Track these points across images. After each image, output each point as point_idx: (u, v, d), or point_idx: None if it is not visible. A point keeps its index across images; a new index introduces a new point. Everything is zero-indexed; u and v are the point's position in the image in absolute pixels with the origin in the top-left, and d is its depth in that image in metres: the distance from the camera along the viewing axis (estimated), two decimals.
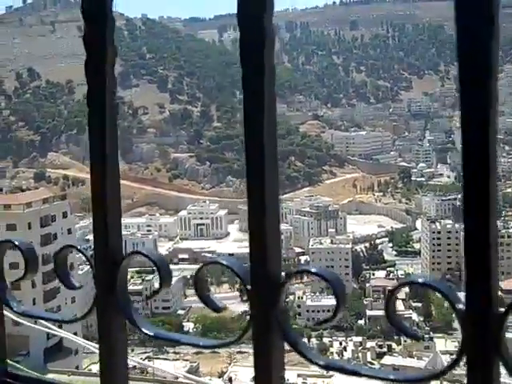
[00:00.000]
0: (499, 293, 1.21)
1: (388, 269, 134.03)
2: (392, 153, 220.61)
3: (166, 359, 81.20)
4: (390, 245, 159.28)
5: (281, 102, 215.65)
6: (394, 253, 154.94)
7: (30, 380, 2.07)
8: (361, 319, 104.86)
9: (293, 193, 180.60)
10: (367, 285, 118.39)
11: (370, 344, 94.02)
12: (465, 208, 1.20)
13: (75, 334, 26.64)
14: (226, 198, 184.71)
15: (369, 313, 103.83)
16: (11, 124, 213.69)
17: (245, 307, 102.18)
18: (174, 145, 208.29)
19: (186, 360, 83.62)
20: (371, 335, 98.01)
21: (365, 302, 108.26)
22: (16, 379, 2.02)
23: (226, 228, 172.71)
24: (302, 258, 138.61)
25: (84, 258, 1.74)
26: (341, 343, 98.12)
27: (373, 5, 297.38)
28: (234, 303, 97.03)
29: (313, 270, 1.40)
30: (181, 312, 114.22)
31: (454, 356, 1.20)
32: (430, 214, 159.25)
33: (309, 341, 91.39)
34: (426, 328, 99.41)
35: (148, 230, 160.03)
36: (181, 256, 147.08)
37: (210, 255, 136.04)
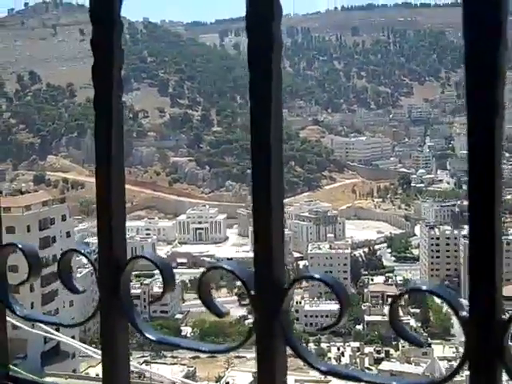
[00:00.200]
0: None
1: (387, 274, 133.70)
2: (392, 159, 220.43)
3: (163, 363, 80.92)
4: (389, 250, 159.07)
5: None
6: (393, 258, 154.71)
7: (30, 383, 2.11)
8: (359, 324, 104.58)
9: (292, 198, 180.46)
10: (365, 290, 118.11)
11: (367, 349, 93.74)
12: (470, 213, 1.19)
13: (73, 337, 26.64)
14: (226, 202, 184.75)
15: (367, 318, 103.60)
16: (11, 126, 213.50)
17: (243, 312, 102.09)
18: (173, 149, 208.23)
19: (184, 364, 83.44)
20: (369, 341, 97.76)
21: (363, 308, 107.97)
22: (16, 382, 2.03)
23: (225, 232, 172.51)
24: (301, 263, 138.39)
25: (86, 262, 1.73)
26: (339, 348, 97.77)
27: (374, 10, 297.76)
28: (232, 307, 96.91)
29: (316, 276, 1.42)
30: (179, 316, 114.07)
31: (452, 362, 1.28)
32: (429, 220, 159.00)
33: (307, 346, 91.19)
34: (424, 334, 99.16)
35: (147, 234, 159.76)
36: (179, 260, 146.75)
37: (208, 259, 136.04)
